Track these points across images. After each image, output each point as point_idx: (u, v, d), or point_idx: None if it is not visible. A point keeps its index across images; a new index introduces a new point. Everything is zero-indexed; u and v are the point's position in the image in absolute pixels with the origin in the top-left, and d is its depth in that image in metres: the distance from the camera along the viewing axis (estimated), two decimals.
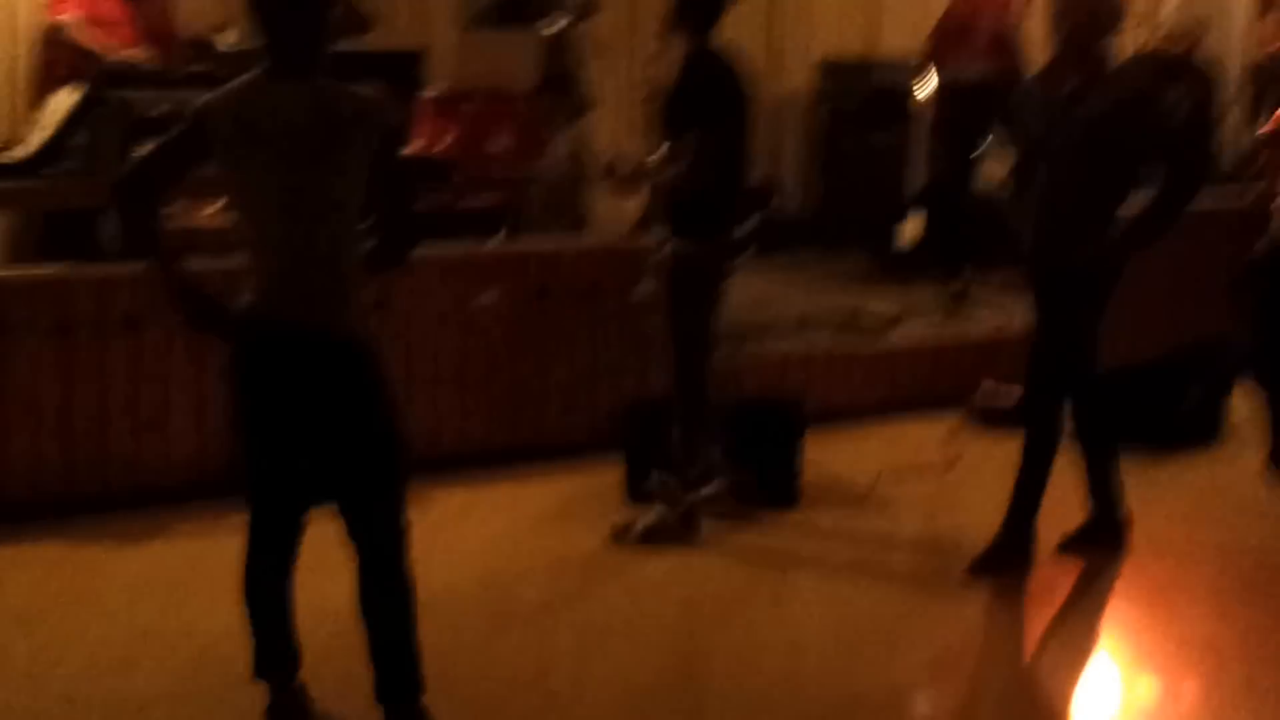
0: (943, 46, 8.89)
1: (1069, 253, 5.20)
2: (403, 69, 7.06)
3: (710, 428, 5.67)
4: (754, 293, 8.17)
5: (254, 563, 4.03)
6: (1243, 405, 7.04)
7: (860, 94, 9.68)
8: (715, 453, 5.75)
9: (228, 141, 3.71)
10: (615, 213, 8.62)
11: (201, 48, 7.82)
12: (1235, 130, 9.84)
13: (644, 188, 6.80)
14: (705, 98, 5.35)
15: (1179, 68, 9.20)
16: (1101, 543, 5.62)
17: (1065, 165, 5.17)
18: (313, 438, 3.85)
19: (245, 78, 3.78)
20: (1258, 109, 9.29)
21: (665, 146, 5.43)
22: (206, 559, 5.14)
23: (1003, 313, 7.67)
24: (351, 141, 3.71)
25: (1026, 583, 5.39)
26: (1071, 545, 5.60)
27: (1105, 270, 5.27)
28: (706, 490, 5.74)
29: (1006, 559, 5.41)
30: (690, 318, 5.52)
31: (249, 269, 3.81)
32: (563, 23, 7.69)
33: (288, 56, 3.74)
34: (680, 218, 5.47)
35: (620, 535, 5.62)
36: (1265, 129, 6.82)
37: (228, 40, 8.00)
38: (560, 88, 7.74)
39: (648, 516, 5.65)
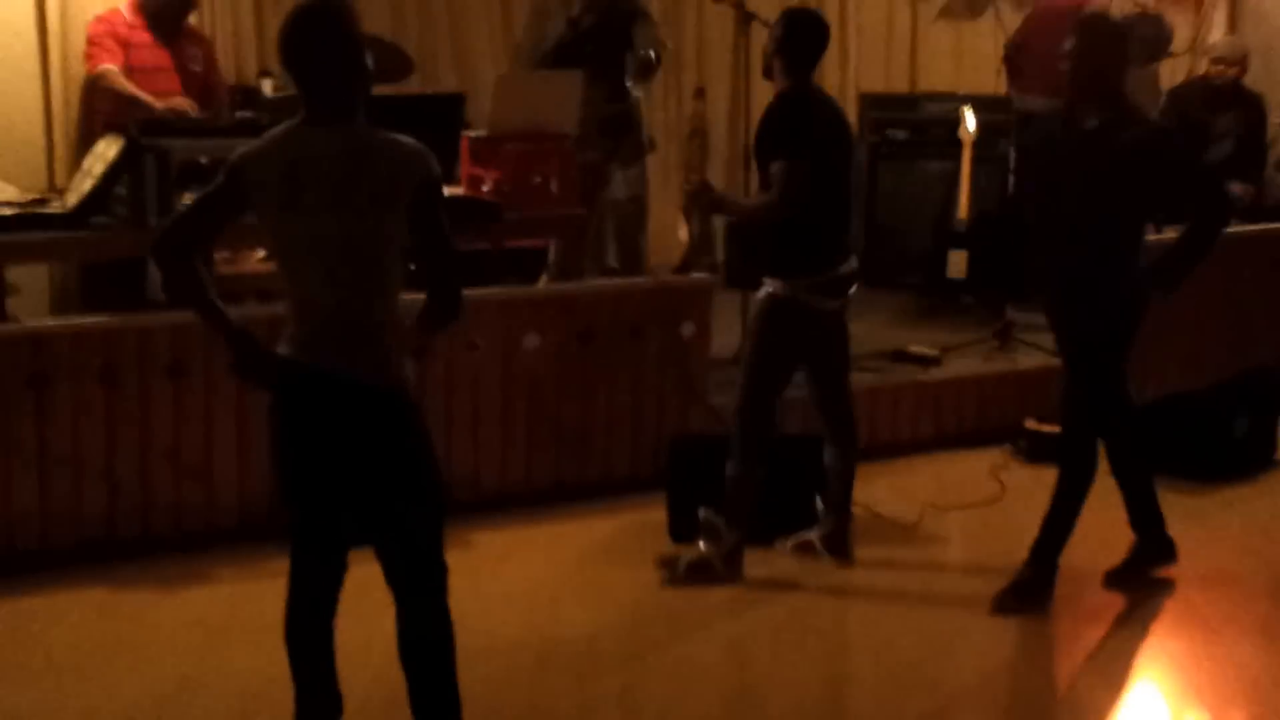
0: (1014, 77, 8.85)
1: (1093, 288, 5.17)
2: (447, 111, 7.08)
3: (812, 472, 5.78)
4: None
5: (295, 606, 4.04)
6: None
7: (903, 127, 9.65)
8: (817, 499, 5.81)
9: (266, 192, 3.73)
10: (665, 251, 8.65)
11: (247, 95, 7.89)
12: None
13: (712, 215, 6.87)
14: (795, 132, 5.34)
15: (1229, 94, 9.16)
16: (1147, 572, 5.58)
17: (1090, 201, 5.15)
18: (353, 481, 3.86)
19: (283, 127, 3.81)
20: None
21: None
22: (249, 604, 5.17)
23: (1049, 347, 7.62)
24: (390, 189, 3.72)
25: (1072, 614, 5.34)
26: (1118, 577, 5.56)
27: (1130, 305, 5.24)
28: (802, 535, 5.81)
29: (1032, 593, 5.37)
30: (771, 355, 5.51)
31: (289, 315, 3.84)
32: (639, 91, 7.74)
33: (324, 105, 3.75)
34: (775, 255, 5.47)
35: (666, 570, 5.61)
36: None
37: (274, 87, 8.08)
38: (618, 130, 7.76)
39: (693, 553, 5.64)
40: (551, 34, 7.60)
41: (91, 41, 7.03)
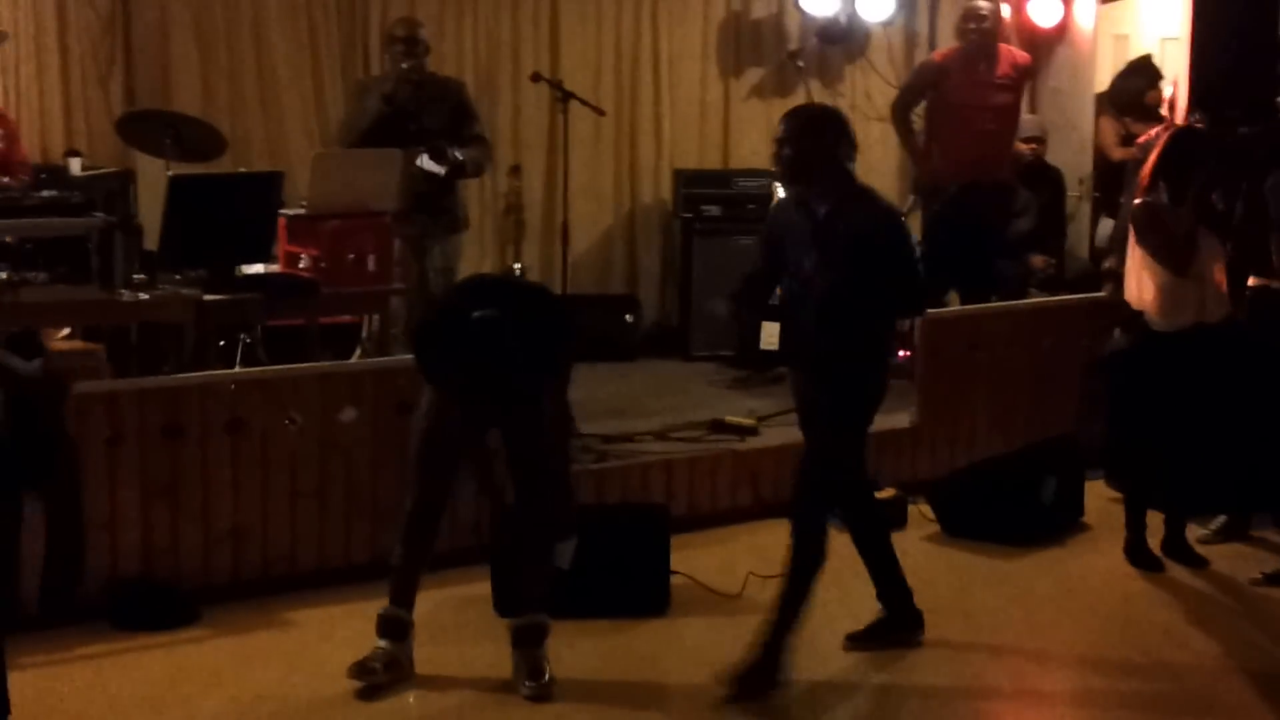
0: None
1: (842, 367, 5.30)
2: (264, 189, 7.03)
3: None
4: (615, 402, 8.21)
5: None
6: (1097, 497, 7.16)
7: (717, 203, 9.79)
8: None
9: None
10: None
11: (54, 173, 7.75)
12: (1081, 228, 10.13)
13: None
14: None
15: (1033, 170, 9.47)
16: (895, 638, 5.65)
17: (830, 284, 5.22)
18: None
19: None
20: (1104, 208, 9.58)
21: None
22: (57, 686, 5.03)
23: None
24: None
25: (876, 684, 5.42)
26: (862, 640, 5.65)
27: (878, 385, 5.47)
28: None
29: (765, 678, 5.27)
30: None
31: None
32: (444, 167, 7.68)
33: None
34: None
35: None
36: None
37: (81, 166, 7.96)
38: (434, 206, 7.73)
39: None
40: (369, 110, 7.57)
41: None
